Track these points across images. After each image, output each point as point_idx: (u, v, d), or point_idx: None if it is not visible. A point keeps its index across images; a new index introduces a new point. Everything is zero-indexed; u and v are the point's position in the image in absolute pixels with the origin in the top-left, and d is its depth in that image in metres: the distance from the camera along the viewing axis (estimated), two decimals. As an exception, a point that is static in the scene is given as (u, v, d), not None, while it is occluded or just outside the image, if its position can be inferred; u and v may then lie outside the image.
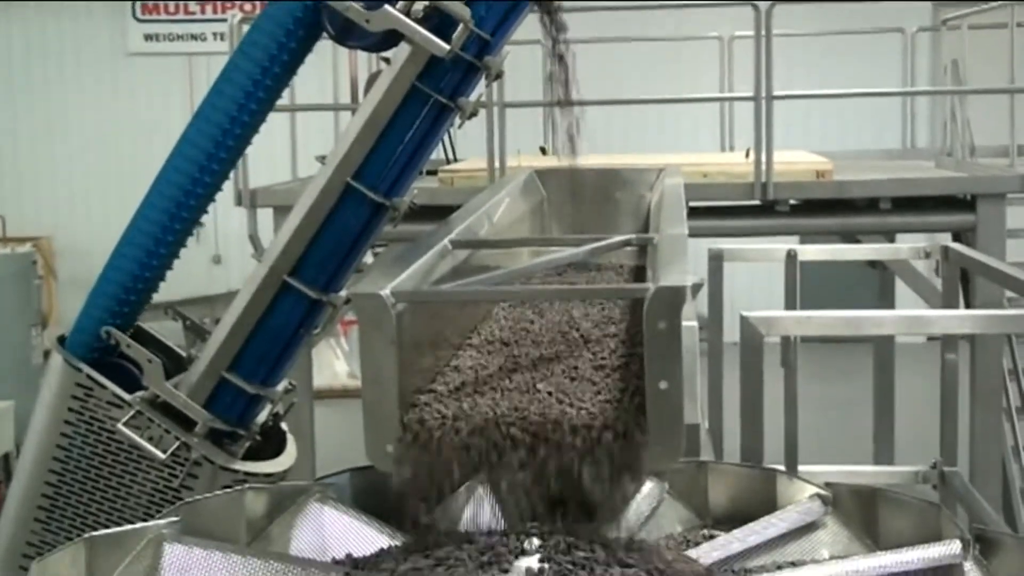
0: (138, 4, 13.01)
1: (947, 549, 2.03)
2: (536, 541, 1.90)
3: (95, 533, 2.13)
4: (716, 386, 5.65)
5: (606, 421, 1.95)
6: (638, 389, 2.00)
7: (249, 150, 3.05)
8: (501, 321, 2.58)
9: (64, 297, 12.08)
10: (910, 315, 3.96)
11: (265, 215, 5.62)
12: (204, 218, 3.05)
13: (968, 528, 2.10)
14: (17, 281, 8.15)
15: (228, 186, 3.51)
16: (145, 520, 2.24)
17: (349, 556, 2.20)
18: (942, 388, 4.82)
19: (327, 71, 6.87)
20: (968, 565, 2.03)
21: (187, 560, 2.09)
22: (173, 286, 3.31)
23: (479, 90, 2.82)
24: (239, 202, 5.77)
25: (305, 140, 6.53)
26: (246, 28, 3.01)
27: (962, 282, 5.16)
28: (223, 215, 7.24)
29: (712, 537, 2.26)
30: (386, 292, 1.97)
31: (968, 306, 5.21)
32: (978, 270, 4.60)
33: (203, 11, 13.03)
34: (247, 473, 2.85)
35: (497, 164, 5.72)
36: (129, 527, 2.16)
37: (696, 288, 2.10)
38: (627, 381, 2.11)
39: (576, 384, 2.12)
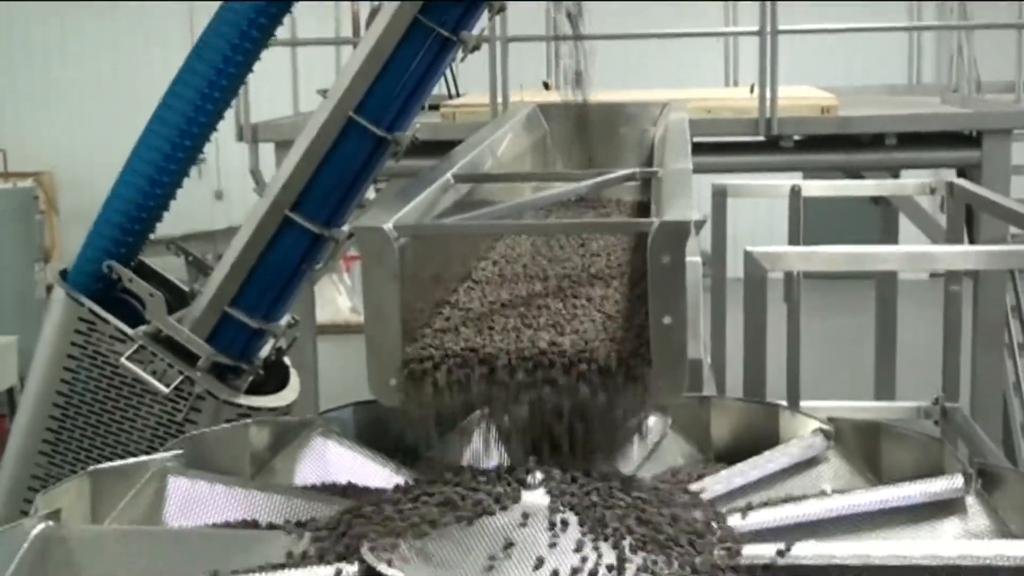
0: (139, -68, 12.89)
1: (949, 483, 2.04)
2: (539, 475, 1.91)
3: (99, 466, 2.14)
4: (719, 322, 5.65)
5: (609, 355, 1.95)
6: (641, 324, 2.00)
7: (250, 85, 3.03)
8: (504, 255, 2.58)
9: (66, 231, 12.05)
10: (914, 251, 3.95)
11: (267, 150, 5.60)
12: (205, 153, 3.04)
13: (969, 462, 2.11)
14: (19, 216, 8.14)
15: (229, 121, 3.50)
16: (149, 453, 2.25)
17: (352, 489, 2.21)
18: (945, 324, 4.82)
19: (328, 5, 6.81)
20: (970, 499, 2.03)
21: (191, 492, 2.10)
22: (175, 221, 3.30)
23: (481, 24, 2.79)
24: (240, 137, 5.74)
25: (307, 74, 6.48)
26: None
27: (966, 219, 5.14)
28: (224, 150, 7.20)
29: (715, 471, 2.26)
30: (388, 226, 1.97)
31: (972, 243, 5.19)
32: (982, 206, 4.58)
33: (204, -60, 12.88)
34: (250, 407, 2.86)
35: (500, 99, 5.68)
36: (133, 460, 2.17)
37: (699, 224, 2.09)
38: (630, 316, 2.11)
39: (579, 319, 2.11)
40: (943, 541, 1.96)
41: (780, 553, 1.81)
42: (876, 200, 7.05)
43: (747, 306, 3.40)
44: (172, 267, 3.27)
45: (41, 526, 1.88)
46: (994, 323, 5.13)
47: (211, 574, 1.80)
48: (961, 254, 4.08)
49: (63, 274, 3.04)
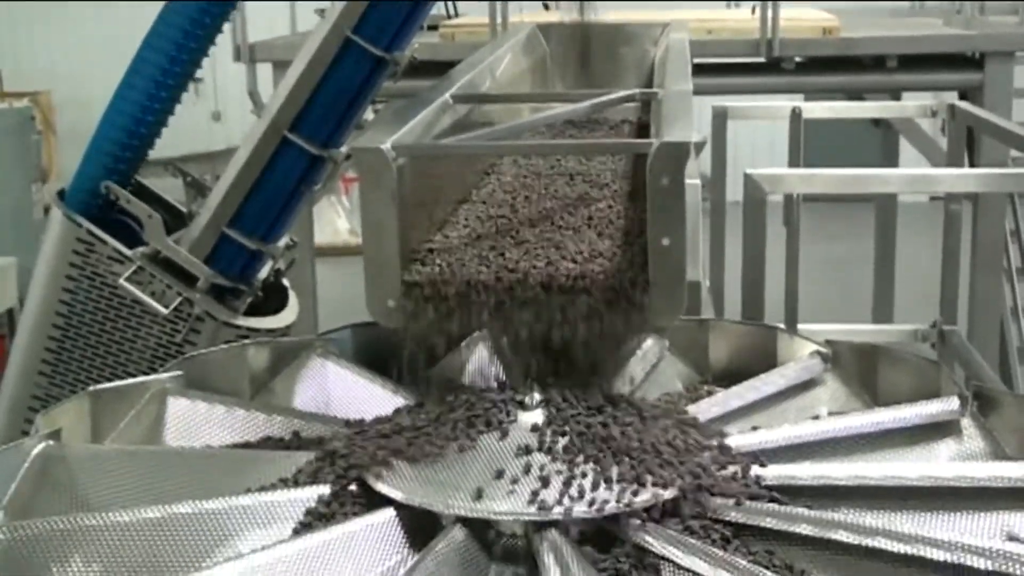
0: None
1: (945, 406, 2.05)
2: (537, 396, 1.92)
3: (99, 386, 2.15)
4: (718, 245, 5.64)
5: (607, 276, 1.95)
6: (640, 246, 2.00)
7: (248, 5, 2.99)
8: (502, 177, 2.57)
9: (64, 152, 11.99)
10: (915, 173, 3.93)
11: (264, 70, 5.55)
12: (203, 74, 3.01)
13: (966, 385, 2.12)
14: (15, 136, 8.10)
15: (226, 41, 3.47)
16: (148, 374, 2.26)
17: (351, 410, 2.22)
18: (944, 246, 4.81)
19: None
20: (966, 421, 2.05)
21: (190, 413, 2.11)
22: (173, 142, 3.29)
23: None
24: (238, 57, 5.69)
25: (304, -6, 6.42)
26: None
27: (967, 142, 5.12)
28: (222, 71, 7.15)
29: (711, 394, 2.27)
30: (387, 146, 1.96)
31: (972, 166, 5.17)
32: (984, 129, 4.55)
33: None
34: (249, 328, 2.86)
35: (499, 19, 5.63)
36: (132, 380, 2.18)
37: (699, 146, 2.07)
38: (629, 238, 2.10)
39: (577, 239, 2.11)
40: (938, 463, 1.97)
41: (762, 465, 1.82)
42: (877, 123, 7.02)
43: (746, 229, 3.39)
44: (170, 188, 3.26)
45: (42, 445, 1.89)
46: (993, 247, 5.13)
47: (207, 488, 1.82)
48: (961, 177, 4.07)
49: (61, 195, 3.03)
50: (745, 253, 3.39)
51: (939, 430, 2.04)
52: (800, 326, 3.44)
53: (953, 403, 2.04)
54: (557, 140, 2.82)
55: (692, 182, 2.36)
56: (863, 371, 2.29)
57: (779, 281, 3.73)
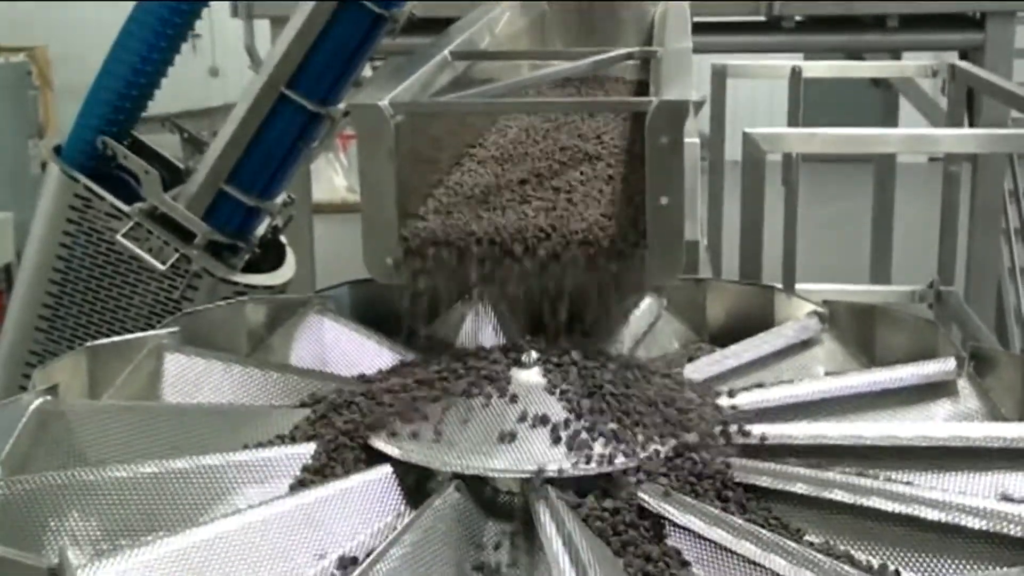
0: None
1: (942, 366, 2.05)
2: (534, 355, 1.92)
3: (96, 342, 2.15)
4: (716, 205, 5.62)
5: (605, 234, 1.95)
6: (638, 205, 1.99)
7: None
8: (501, 135, 2.56)
9: (61, 107, 11.92)
10: (915, 133, 3.92)
11: (262, 26, 5.52)
12: (200, 29, 3.00)
13: (963, 346, 2.12)
14: (12, 92, 8.06)
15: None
16: (146, 331, 2.26)
17: (348, 367, 2.23)
18: (942, 207, 4.80)
19: None
20: (962, 382, 2.05)
21: (188, 369, 2.11)
22: (170, 98, 3.26)
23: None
24: (235, 13, 5.66)
25: (302, -51, 6.36)
26: None
27: (967, 102, 5.09)
28: (220, 26, 7.11)
29: (709, 353, 2.28)
30: (385, 103, 1.95)
31: (972, 126, 5.15)
32: (984, 89, 4.53)
33: None
34: (247, 285, 2.86)
35: (498, -24, 5.59)
36: (130, 336, 2.18)
37: (698, 105, 2.06)
38: (627, 196, 2.10)
39: (575, 199, 2.11)
40: (934, 423, 1.98)
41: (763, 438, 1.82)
42: (876, 83, 6.98)
43: (745, 188, 3.38)
44: (168, 144, 3.24)
45: (39, 401, 1.89)
46: (992, 207, 5.11)
47: (204, 444, 1.83)
48: (961, 137, 4.06)
49: (57, 150, 3.01)
50: (743, 213, 3.39)
51: (935, 390, 2.04)
52: (797, 286, 3.44)
53: (950, 363, 2.05)
54: (555, 98, 2.81)
55: (691, 141, 2.35)
56: (860, 331, 2.29)
57: (777, 241, 3.73)
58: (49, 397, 1.91)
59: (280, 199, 2.99)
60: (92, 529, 1.66)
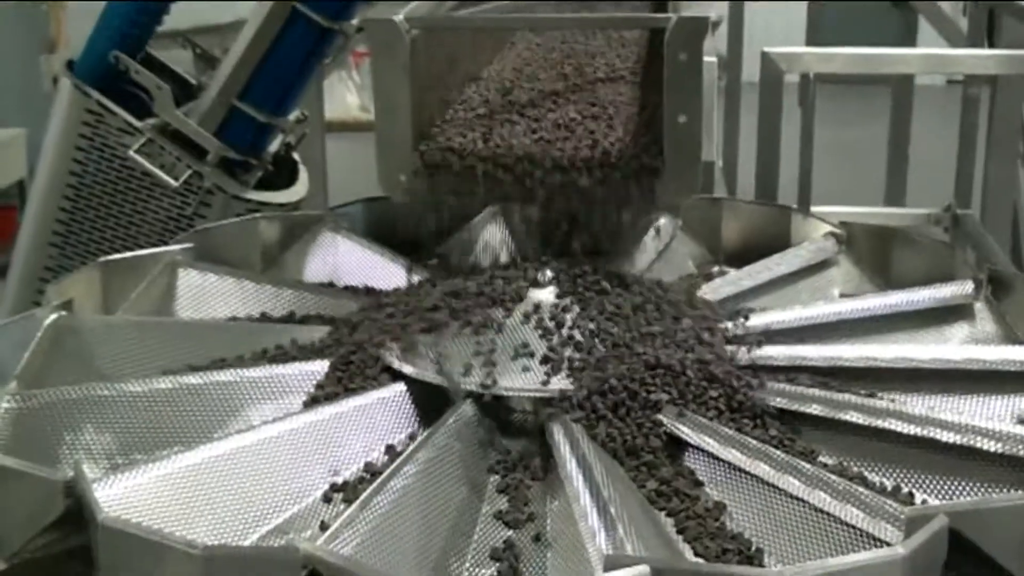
0: None
1: (959, 288, 2.04)
2: (549, 273, 1.91)
3: (110, 257, 2.15)
4: (732, 126, 5.59)
5: (622, 152, 1.93)
6: (655, 124, 1.98)
7: None
8: (517, 54, 2.53)
9: (73, 22, 11.85)
10: (934, 53, 3.87)
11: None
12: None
13: (979, 269, 2.10)
14: (24, 6, 8.00)
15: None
16: (159, 247, 2.25)
17: (361, 284, 2.22)
18: (961, 129, 4.75)
19: None
20: (978, 305, 2.04)
21: (201, 285, 2.11)
22: (183, 15, 3.23)
23: None
24: (248, -73, 5.59)
25: None
26: None
27: (988, 24, 5.03)
28: (232, -59, 7.02)
29: (724, 273, 2.27)
30: (399, 18, 1.92)
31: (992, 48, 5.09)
32: (1006, 9, 4.47)
33: None
34: (260, 202, 2.85)
35: None
36: (143, 252, 2.17)
37: (715, 24, 2.04)
38: (644, 115, 2.08)
39: (591, 117, 2.09)
40: (950, 345, 1.97)
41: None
42: (896, 3, 6.90)
43: (762, 108, 3.35)
44: (180, 60, 3.22)
45: (54, 316, 1.89)
46: (1010, 131, 5.06)
47: (218, 360, 1.83)
48: (981, 58, 4.01)
49: (70, 65, 2.99)
50: (760, 133, 3.35)
51: (952, 313, 2.03)
52: (813, 208, 3.42)
53: (967, 286, 2.04)
54: (573, 14, 2.77)
55: (708, 60, 2.32)
56: (877, 253, 2.28)
57: (793, 164, 3.70)
58: (63, 312, 1.91)
59: (293, 116, 2.97)
60: (107, 443, 1.67)
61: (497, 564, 1.47)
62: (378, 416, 1.72)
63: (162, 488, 1.49)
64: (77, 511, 1.39)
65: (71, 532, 1.42)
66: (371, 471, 1.62)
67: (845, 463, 1.64)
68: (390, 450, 1.67)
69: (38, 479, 1.42)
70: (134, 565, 1.30)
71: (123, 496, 1.45)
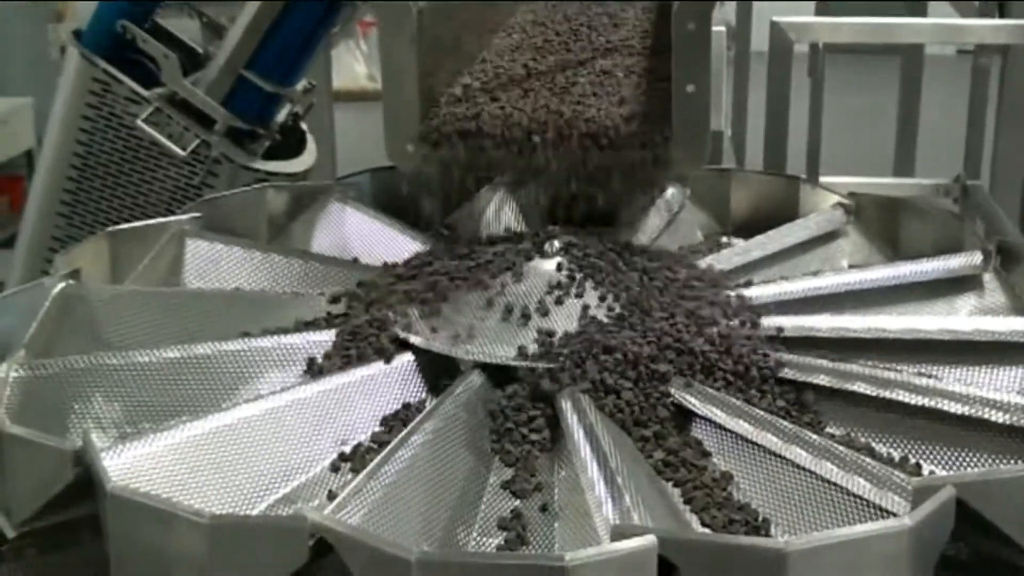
0: None
1: (967, 259, 2.03)
2: (556, 244, 1.91)
3: (118, 227, 2.15)
4: (741, 96, 5.57)
5: (630, 122, 1.93)
6: (664, 94, 1.97)
7: None
8: (523, 24, 2.52)
9: (79, -7, 11.84)
10: (945, 23, 3.86)
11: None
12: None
13: (988, 239, 2.10)
14: (30, -25, 7.98)
15: None
16: (167, 217, 2.25)
17: (368, 255, 2.22)
18: (970, 100, 4.73)
19: None
20: (987, 276, 2.03)
21: (209, 255, 2.11)
22: (190, -18, 3.22)
23: None
24: None
25: None
26: None
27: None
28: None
29: (732, 244, 2.26)
30: (407, -12, 1.92)
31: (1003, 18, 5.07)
32: (1017, -21, 4.45)
33: None
34: (267, 172, 2.84)
35: None
36: (151, 221, 2.17)
37: (726, -8, 2.03)
38: (652, 85, 2.07)
39: (599, 87, 2.08)
40: (959, 316, 1.97)
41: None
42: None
43: (771, 78, 3.35)
44: (187, 29, 3.21)
45: (62, 285, 1.89)
46: (1021, 101, 5.04)
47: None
48: (992, 28, 3.99)
49: (77, 34, 2.99)
50: (769, 103, 3.35)
51: (960, 284, 2.03)
52: (822, 178, 3.41)
53: (975, 257, 2.03)
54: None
55: (717, 29, 2.31)
56: (885, 224, 2.27)
57: (802, 134, 3.69)
58: (72, 281, 1.91)
59: (300, 85, 2.96)
60: (116, 413, 1.67)
61: (504, 533, 1.48)
62: (386, 385, 1.72)
63: (170, 457, 1.49)
64: (86, 480, 1.39)
65: (80, 501, 1.43)
66: (378, 441, 1.63)
67: (853, 434, 1.64)
68: (397, 420, 1.67)
69: (47, 448, 1.43)
70: (142, 533, 1.31)
71: (131, 465, 1.46)
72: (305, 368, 1.77)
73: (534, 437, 1.64)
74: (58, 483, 1.42)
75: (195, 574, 1.28)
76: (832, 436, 1.61)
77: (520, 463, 1.59)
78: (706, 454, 1.60)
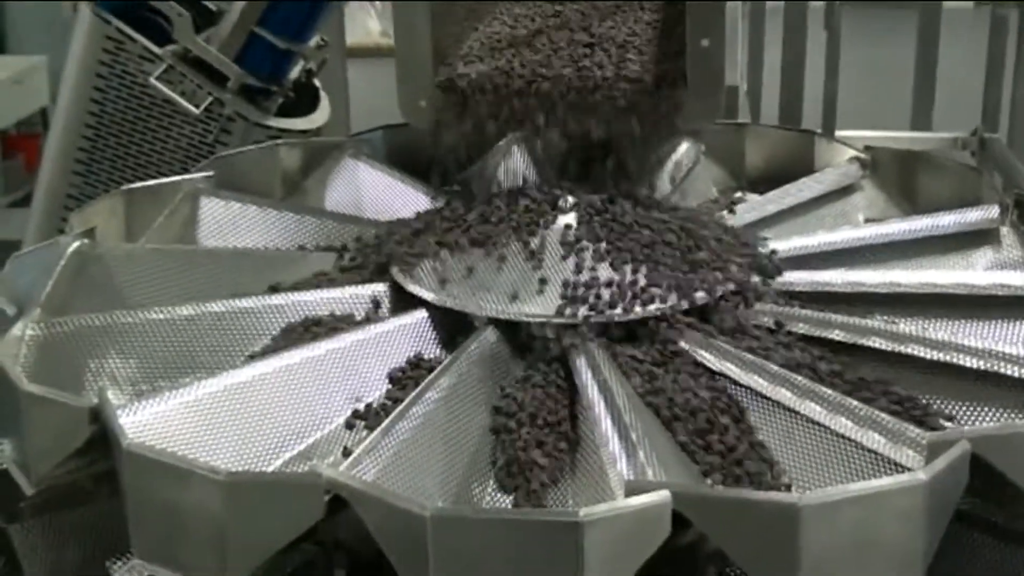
0: None
1: (984, 213, 2.02)
2: (571, 199, 1.90)
3: (132, 185, 2.15)
4: (756, 51, 5.51)
5: (645, 76, 1.91)
6: (679, 47, 1.96)
7: None
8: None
9: (92, -49, 11.78)
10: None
11: None
12: None
13: (1006, 193, 2.09)
14: (42, -67, 7.95)
15: None
16: (181, 175, 2.25)
17: (383, 211, 2.22)
18: (989, 52, 4.69)
19: None
20: (1005, 230, 2.02)
21: (223, 213, 2.11)
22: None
23: None
24: None
25: None
26: None
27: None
28: None
29: (747, 199, 2.26)
30: (420, -57, 1.90)
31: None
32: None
33: None
34: (280, 129, 2.84)
35: None
36: (165, 180, 2.17)
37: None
38: (667, 40, 2.06)
39: (614, 41, 2.07)
40: (975, 271, 1.96)
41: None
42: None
43: (787, 32, 3.32)
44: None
45: (77, 243, 1.89)
46: (1039, 53, 4.99)
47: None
48: (1012, -22, 3.95)
49: (89, -8, 2.98)
50: (784, 56, 3.33)
51: (977, 238, 2.01)
52: (838, 132, 3.39)
53: (993, 211, 2.02)
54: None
55: (733, -18, 2.29)
56: (902, 177, 2.26)
57: (817, 89, 3.67)
58: (87, 240, 1.91)
59: (313, 42, 2.95)
60: (131, 370, 1.68)
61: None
62: (399, 342, 1.73)
63: (186, 414, 1.50)
64: (102, 437, 1.40)
65: (97, 458, 1.44)
66: (392, 398, 1.63)
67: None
68: (411, 377, 1.67)
69: (64, 406, 1.44)
70: (158, 490, 1.32)
71: (147, 422, 1.46)
72: (320, 324, 1.77)
73: (549, 392, 1.64)
74: (75, 441, 1.42)
75: (211, 530, 1.29)
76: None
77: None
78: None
